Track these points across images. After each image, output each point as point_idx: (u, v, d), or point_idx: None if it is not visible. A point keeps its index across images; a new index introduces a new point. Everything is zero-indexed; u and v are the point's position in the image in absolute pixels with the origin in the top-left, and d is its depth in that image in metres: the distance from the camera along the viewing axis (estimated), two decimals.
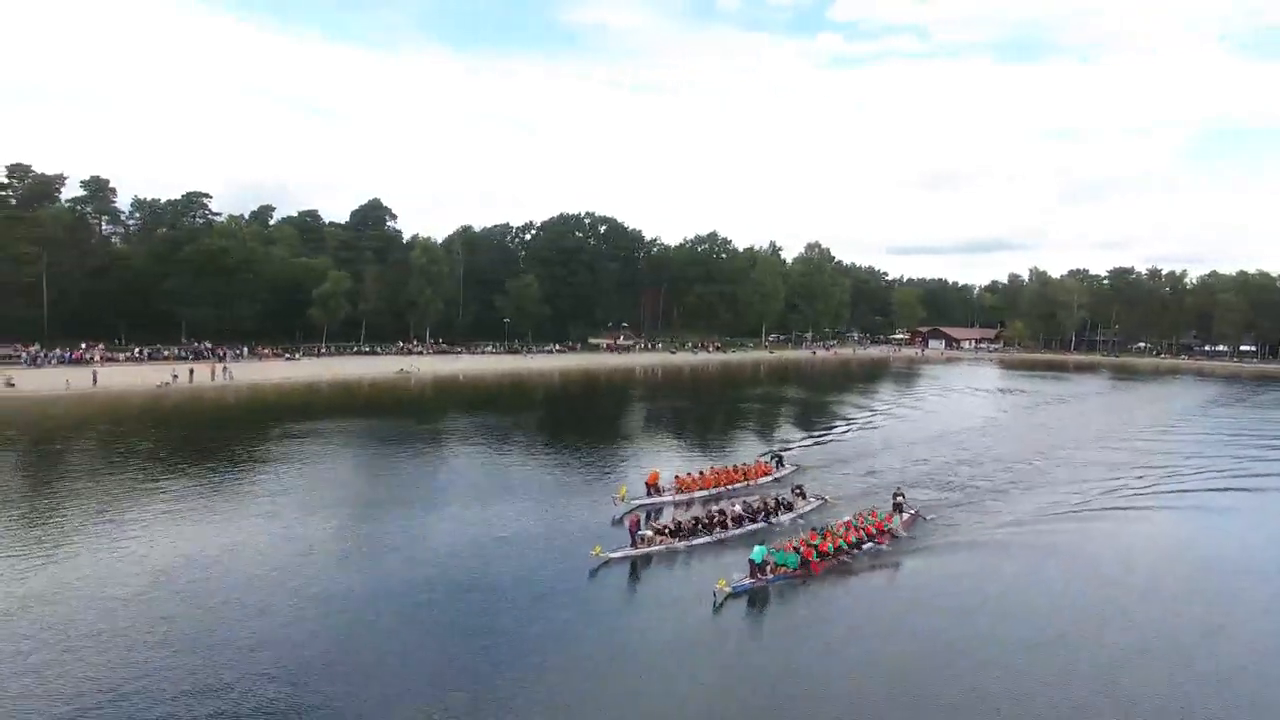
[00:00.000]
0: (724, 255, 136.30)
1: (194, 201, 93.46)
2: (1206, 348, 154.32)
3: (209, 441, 42.65)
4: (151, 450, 39.40)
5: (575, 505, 31.75)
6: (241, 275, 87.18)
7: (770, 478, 36.57)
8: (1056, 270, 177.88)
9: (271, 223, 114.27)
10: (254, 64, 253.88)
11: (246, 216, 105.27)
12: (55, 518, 27.47)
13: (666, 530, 26.88)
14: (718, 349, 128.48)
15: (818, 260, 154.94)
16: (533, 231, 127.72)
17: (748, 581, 22.92)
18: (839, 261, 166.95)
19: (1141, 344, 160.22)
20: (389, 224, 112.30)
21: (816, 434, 51.62)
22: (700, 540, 26.88)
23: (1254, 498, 36.78)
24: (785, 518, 29.80)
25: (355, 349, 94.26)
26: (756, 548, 24.11)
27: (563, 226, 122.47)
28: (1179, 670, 18.81)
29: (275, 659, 17.69)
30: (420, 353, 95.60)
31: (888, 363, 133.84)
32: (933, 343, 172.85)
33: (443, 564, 24.24)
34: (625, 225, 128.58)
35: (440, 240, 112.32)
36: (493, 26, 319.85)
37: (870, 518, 28.03)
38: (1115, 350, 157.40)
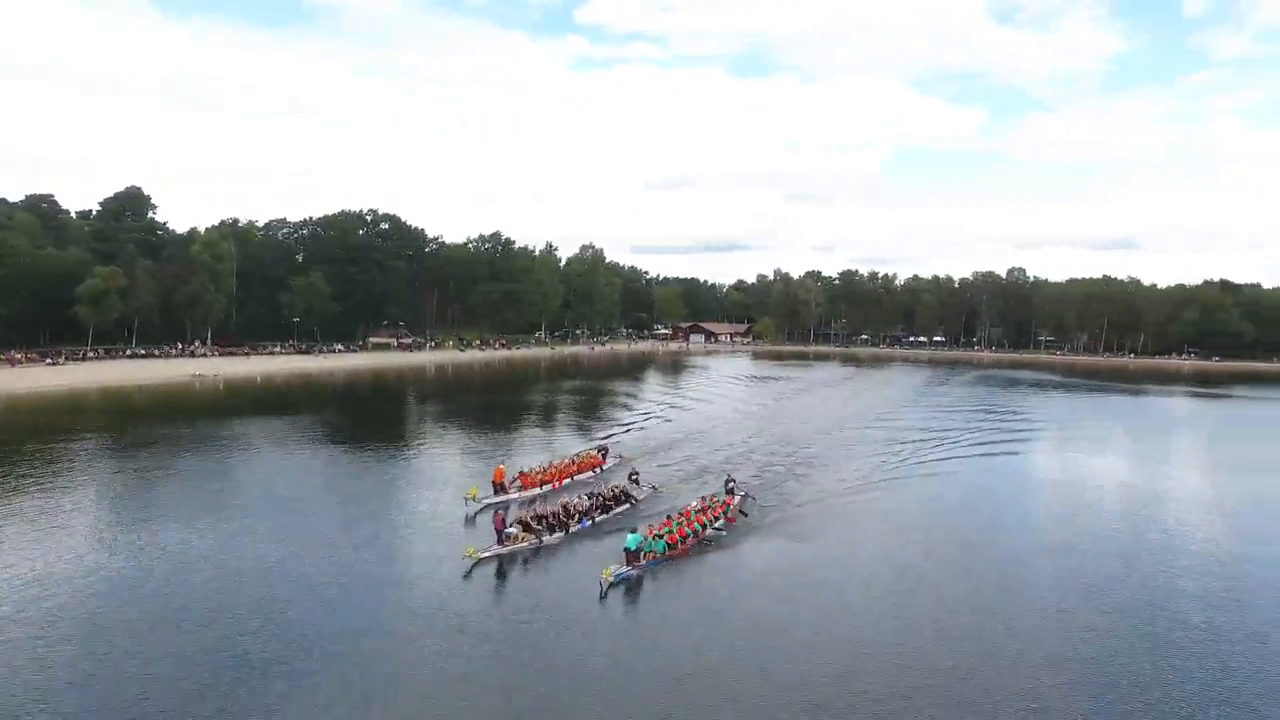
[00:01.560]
0: (505, 256, 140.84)
1: None
2: (911, 338, 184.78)
3: None
4: None
5: (424, 507, 31.81)
6: None
7: (601, 468, 39.16)
8: (793, 271, 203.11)
9: None
10: None
11: None
12: None
13: (529, 526, 27.47)
14: (503, 346, 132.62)
15: (592, 261, 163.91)
16: (311, 228, 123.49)
17: (627, 569, 23.99)
18: (611, 262, 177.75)
19: (864, 336, 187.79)
20: (150, 215, 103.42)
21: (622, 425, 56.87)
22: (560, 534, 28.08)
23: (1000, 459, 47.07)
24: (626, 506, 31.85)
25: (128, 352, 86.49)
26: (630, 535, 25.14)
27: (345, 223, 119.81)
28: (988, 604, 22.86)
29: (52, 710, 15.53)
30: (204, 355, 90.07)
31: (657, 356, 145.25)
32: (694, 338, 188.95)
33: (303, 576, 23.10)
34: (408, 223, 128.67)
35: (202, 232, 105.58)
36: None
37: (711, 502, 30.38)
38: (845, 342, 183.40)
